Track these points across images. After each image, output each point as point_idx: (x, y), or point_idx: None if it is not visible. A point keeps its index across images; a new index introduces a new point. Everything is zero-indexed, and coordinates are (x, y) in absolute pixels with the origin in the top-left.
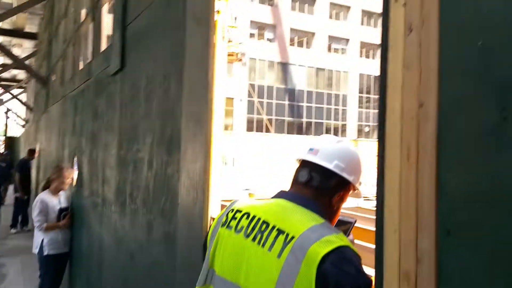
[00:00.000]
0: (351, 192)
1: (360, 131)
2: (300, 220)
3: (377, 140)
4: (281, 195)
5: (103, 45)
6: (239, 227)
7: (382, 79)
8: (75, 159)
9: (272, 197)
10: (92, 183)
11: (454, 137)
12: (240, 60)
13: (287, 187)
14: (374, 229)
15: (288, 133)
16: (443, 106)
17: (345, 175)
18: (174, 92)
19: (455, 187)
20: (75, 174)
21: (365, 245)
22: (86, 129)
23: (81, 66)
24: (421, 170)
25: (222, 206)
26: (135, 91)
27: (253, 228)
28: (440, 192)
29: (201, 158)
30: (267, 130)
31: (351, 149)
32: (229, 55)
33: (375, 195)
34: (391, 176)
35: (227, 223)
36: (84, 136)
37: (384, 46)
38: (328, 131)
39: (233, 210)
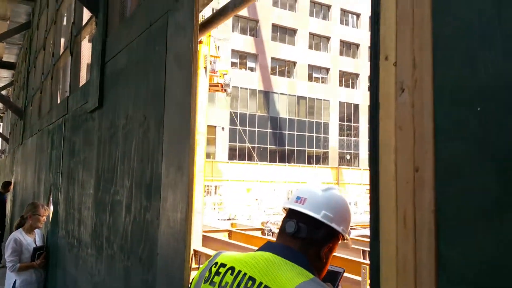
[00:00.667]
0: (340, 242)
1: (341, 159)
2: (288, 276)
3: (370, 202)
4: (267, 247)
5: (82, 80)
6: (223, 283)
7: (374, 138)
8: (51, 196)
9: (258, 250)
10: (68, 223)
11: (453, 205)
12: (225, 91)
13: (273, 238)
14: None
15: (270, 161)
16: (439, 171)
17: (334, 225)
18: (154, 134)
19: (456, 261)
20: (50, 212)
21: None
22: (62, 165)
23: (59, 99)
24: (419, 239)
25: (204, 237)
26: (113, 130)
27: (238, 285)
28: (440, 266)
29: (183, 207)
30: (250, 159)
31: (339, 197)
32: (213, 85)
33: (369, 262)
34: (387, 244)
35: (210, 279)
36: (61, 172)
37: (374, 103)
38: (310, 158)
39: (216, 264)
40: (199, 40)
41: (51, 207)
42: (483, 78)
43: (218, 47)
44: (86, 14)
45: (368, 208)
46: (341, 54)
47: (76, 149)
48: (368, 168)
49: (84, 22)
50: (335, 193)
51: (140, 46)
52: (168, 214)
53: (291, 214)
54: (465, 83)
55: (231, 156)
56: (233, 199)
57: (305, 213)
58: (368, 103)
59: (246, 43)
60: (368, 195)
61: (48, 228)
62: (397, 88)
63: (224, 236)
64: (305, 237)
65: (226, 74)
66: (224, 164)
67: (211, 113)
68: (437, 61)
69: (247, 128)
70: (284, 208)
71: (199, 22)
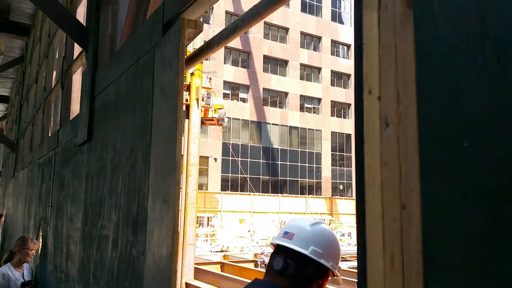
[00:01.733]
0: (330, 278)
1: (334, 189)
2: None
3: (357, 242)
4: (254, 285)
5: (73, 113)
6: None
7: (360, 174)
8: (40, 229)
9: (246, 287)
10: (57, 257)
11: (441, 247)
12: (221, 125)
13: (261, 275)
14: None
15: (263, 191)
16: (426, 209)
17: (323, 261)
18: (141, 167)
19: None
20: (39, 246)
21: None
22: (52, 199)
23: (50, 133)
24: (407, 282)
25: (196, 270)
26: (101, 163)
27: None
28: None
29: (168, 243)
30: (242, 189)
31: (328, 232)
32: (208, 119)
33: None
34: (375, 287)
35: None
36: (50, 206)
37: (359, 138)
38: (303, 188)
39: None
40: (191, 72)
41: (40, 241)
42: (469, 112)
43: (210, 78)
44: (77, 48)
45: None
46: (332, 84)
47: (65, 182)
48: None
49: (75, 56)
50: (324, 227)
51: (128, 80)
52: (154, 250)
53: (278, 250)
54: (450, 118)
55: (224, 187)
56: (225, 231)
57: (293, 249)
58: None
59: (238, 75)
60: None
61: (37, 262)
62: (382, 122)
63: (216, 269)
64: (293, 274)
65: (221, 108)
66: (217, 195)
67: (203, 144)
68: (422, 95)
69: (239, 159)
70: (271, 244)
71: (186, 56)
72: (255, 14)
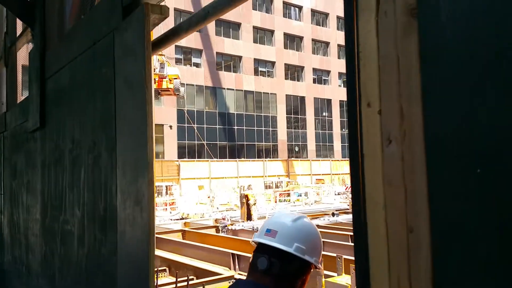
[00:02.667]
0: (312, 270)
1: (290, 151)
2: None
3: (356, 267)
4: (239, 285)
5: (20, 96)
6: None
7: (356, 193)
8: None
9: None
10: (15, 248)
11: (452, 272)
12: (178, 95)
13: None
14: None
15: (221, 157)
16: (436, 233)
17: (307, 257)
18: (105, 162)
19: None
20: None
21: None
22: (4, 186)
23: None
24: None
25: (158, 240)
26: (58, 153)
27: None
28: None
29: (144, 244)
30: (200, 156)
31: (310, 226)
32: (164, 90)
33: None
34: None
35: None
36: (2, 194)
37: (355, 152)
38: (260, 152)
39: None
40: None
41: None
42: (483, 135)
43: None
44: (21, 24)
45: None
46: (285, 47)
47: (18, 170)
48: (352, 227)
49: (19, 32)
50: (306, 221)
51: (84, 65)
52: (128, 249)
53: (261, 248)
54: (462, 139)
55: (181, 154)
56: (185, 198)
57: (276, 247)
58: (313, 95)
59: (190, 38)
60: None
61: None
62: (384, 138)
63: (178, 237)
64: (278, 273)
65: (176, 78)
66: (174, 162)
67: (157, 112)
68: (429, 113)
69: (195, 125)
70: (254, 242)
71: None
72: (230, 1)
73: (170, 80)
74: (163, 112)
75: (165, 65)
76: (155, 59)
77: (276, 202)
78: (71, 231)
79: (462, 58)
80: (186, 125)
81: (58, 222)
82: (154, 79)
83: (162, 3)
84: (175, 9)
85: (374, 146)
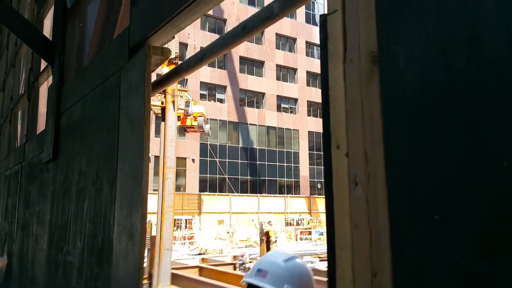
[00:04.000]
0: None
1: (312, 187)
2: None
3: None
4: None
5: (40, 127)
6: None
7: (330, 236)
8: (6, 246)
9: None
10: (22, 279)
11: None
12: (203, 131)
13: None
14: None
15: (242, 191)
16: (398, 277)
17: None
18: (107, 195)
19: None
20: (5, 263)
21: None
22: (18, 215)
23: (18, 143)
24: None
25: (173, 276)
26: (67, 185)
27: None
28: None
29: (134, 278)
30: (221, 190)
31: (302, 267)
32: (189, 127)
33: None
34: None
35: None
36: (16, 222)
37: (328, 195)
38: (281, 188)
39: None
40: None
41: (5, 258)
42: (440, 181)
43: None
44: (44, 60)
45: None
46: (308, 84)
47: (31, 199)
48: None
49: (42, 68)
50: (298, 262)
51: (94, 101)
52: (120, 284)
53: None
54: (421, 185)
55: (202, 188)
56: (204, 232)
57: None
58: None
59: (214, 75)
60: None
61: (1, 281)
62: (351, 181)
63: (194, 273)
64: None
65: (200, 116)
66: (195, 196)
67: (181, 145)
68: (390, 157)
69: (217, 159)
70: (244, 283)
71: (153, 81)
72: (223, 44)
73: (195, 118)
74: (187, 146)
75: (190, 103)
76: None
77: (297, 240)
78: (72, 262)
79: (420, 105)
80: (208, 159)
81: (62, 253)
82: (179, 116)
83: (167, 45)
84: (201, 48)
85: (342, 189)
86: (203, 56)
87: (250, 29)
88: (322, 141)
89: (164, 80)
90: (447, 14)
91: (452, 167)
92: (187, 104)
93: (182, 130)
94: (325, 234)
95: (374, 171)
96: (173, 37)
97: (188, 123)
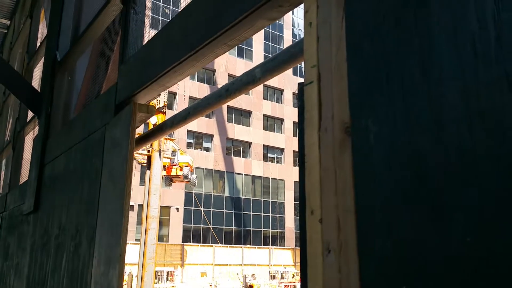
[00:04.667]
0: None
1: (297, 239)
2: None
3: None
4: None
5: (24, 177)
6: None
7: None
8: None
9: None
10: None
11: None
12: (188, 181)
13: None
14: None
15: (226, 242)
16: None
17: None
18: (84, 251)
19: None
20: None
21: None
22: None
23: (0, 192)
24: None
25: None
26: (46, 238)
27: None
28: None
29: None
30: (205, 240)
31: None
32: (175, 177)
33: None
34: None
35: None
36: None
37: (303, 261)
38: (266, 239)
39: None
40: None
41: None
42: (406, 258)
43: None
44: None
45: None
46: (294, 135)
47: (10, 251)
48: None
49: (29, 118)
50: None
51: (78, 154)
52: None
53: None
54: (388, 258)
55: (186, 238)
56: (186, 286)
57: None
58: None
59: (201, 123)
60: None
61: None
62: (324, 248)
63: None
64: None
65: (186, 166)
66: (178, 246)
67: (165, 194)
68: (361, 228)
69: (202, 209)
70: None
71: (136, 136)
72: (207, 104)
73: (181, 168)
74: (171, 194)
75: (177, 153)
76: (169, 148)
77: None
78: None
79: (388, 185)
80: (193, 208)
81: None
82: (164, 166)
83: (153, 102)
84: (190, 97)
85: (315, 255)
86: (187, 115)
87: (233, 91)
88: (299, 206)
89: (148, 136)
90: (414, 100)
91: (419, 242)
92: (173, 153)
93: (169, 180)
94: None
95: (346, 239)
96: (159, 95)
97: (173, 172)
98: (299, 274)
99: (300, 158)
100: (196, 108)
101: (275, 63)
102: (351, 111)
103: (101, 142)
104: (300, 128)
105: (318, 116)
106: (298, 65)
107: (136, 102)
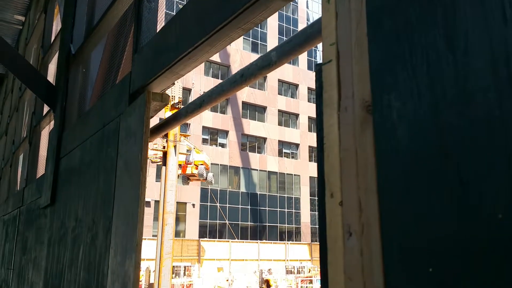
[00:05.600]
0: None
1: (313, 234)
2: None
3: None
4: None
5: (40, 171)
6: None
7: (324, 286)
8: None
9: None
10: None
11: None
12: (205, 180)
13: None
14: None
15: (242, 237)
16: None
17: None
18: (101, 242)
19: None
20: None
21: None
22: (14, 261)
23: (17, 187)
24: None
25: None
26: (63, 231)
27: None
28: None
29: None
30: (221, 236)
31: None
32: (191, 175)
33: None
34: None
35: None
36: (12, 269)
37: (323, 245)
38: (282, 234)
39: None
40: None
41: None
42: (433, 236)
43: (189, 124)
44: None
45: None
46: (309, 130)
47: (28, 245)
48: None
49: (44, 112)
50: None
51: (93, 146)
52: None
53: None
54: (414, 237)
55: (202, 233)
56: (203, 280)
57: None
58: None
59: (216, 120)
60: None
61: None
62: (345, 231)
63: None
64: None
65: (202, 164)
66: (195, 241)
67: (181, 190)
68: (384, 207)
69: (218, 204)
70: None
71: (151, 127)
72: (221, 91)
73: (196, 166)
74: (187, 190)
75: (192, 151)
76: (184, 146)
77: None
78: None
79: (411, 158)
80: (209, 204)
81: None
82: (180, 165)
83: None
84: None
85: (336, 239)
86: (202, 102)
87: (248, 76)
88: (317, 189)
89: (163, 126)
90: (439, 72)
91: (445, 220)
92: (188, 151)
93: (186, 179)
94: None
95: (368, 221)
96: (173, 84)
97: (188, 171)
98: (315, 269)
99: (319, 142)
100: (210, 95)
101: (291, 45)
102: (372, 88)
103: (116, 132)
104: (318, 110)
105: (338, 96)
106: (313, 60)
107: (150, 91)
